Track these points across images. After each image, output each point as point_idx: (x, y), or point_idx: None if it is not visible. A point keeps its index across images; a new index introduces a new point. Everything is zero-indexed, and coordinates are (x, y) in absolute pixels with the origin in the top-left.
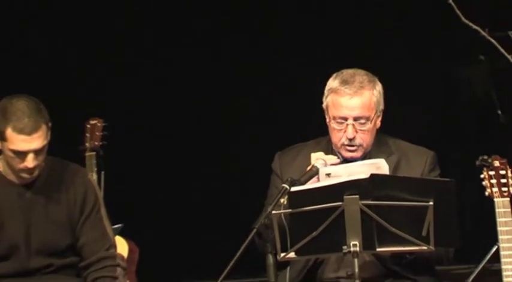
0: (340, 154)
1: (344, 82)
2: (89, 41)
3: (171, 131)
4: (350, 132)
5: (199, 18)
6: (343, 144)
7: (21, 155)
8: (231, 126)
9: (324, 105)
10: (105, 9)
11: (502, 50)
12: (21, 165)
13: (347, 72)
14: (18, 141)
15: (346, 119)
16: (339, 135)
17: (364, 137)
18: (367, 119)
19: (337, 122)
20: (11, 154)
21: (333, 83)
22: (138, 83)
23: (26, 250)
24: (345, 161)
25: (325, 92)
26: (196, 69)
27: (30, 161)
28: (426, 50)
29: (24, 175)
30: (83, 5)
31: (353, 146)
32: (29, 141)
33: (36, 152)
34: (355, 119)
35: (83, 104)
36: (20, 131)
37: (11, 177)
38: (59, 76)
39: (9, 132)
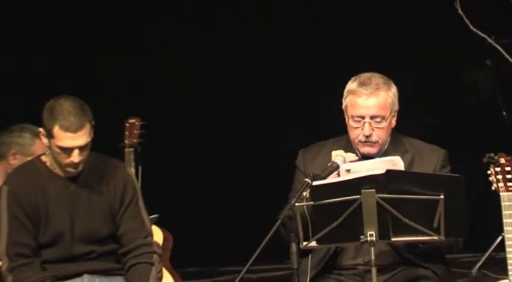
0: (358, 150)
1: (361, 84)
2: (128, 45)
3: (201, 129)
4: (367, 130)
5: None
6: (360, 141)
7: (67, 151)
8: (258, 126)
9: (343, 106)
10: (148, 10)
11: (507, 56)
12: (67, 160)
13: (364, 76)
14: (64, 138)
15: (363, 117)
16: (356, 132)
17: (380, 134)
18: (383, 117)
19: (355, 121)
20: (57, 150)
21: (351, 85)
22: (172, 84)
23: (70, 238)
24: (363, 157)
25: (345, 93)
26: (222, 69)
27: (75, 157)
28: (438, 56)
29: (70, 169)
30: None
31: (369, 142)
32: (74, 139)
33: (81, 148)
34: (372, 117)
35: (122, 104)
36: (66, 129)
37: (58, 171)
38: (99, 79)
39: (56, 130)
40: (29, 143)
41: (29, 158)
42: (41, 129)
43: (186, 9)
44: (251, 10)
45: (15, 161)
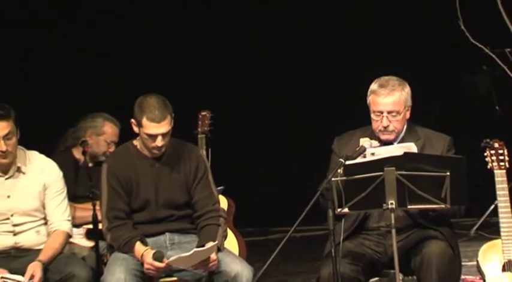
0: (379, 138)
1: (381, 86)
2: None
3: (261, 118)
4: (384, 122)
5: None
6: (380, 130)
7: (153, 137)
8: (306, 120)
9: (368, 103)
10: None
11: (500, 62)
12: (153, 145)
13: (383, 78)
14: (150, 127)
15: (382, 112)
16: (377, 123)
17: (396, 125)
18: (397, 112)
19: (376, 115)
20: (145, 136)
21: (373, 86)
22: (238, 78)
23: (155, 204)
24: (383, 143)
25: (368, 93)
26: (281, 62)
27: (159, 142)
28: (444, 63)
29: (155, 151)
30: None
31: (387, 131)
32: (158, 128)
33: (163, 135)
34: (388, 112)
35: (195, 99)
36: (152, 120)
37: (145, 152)
38: (180, 80)
39: (144, 121)
40: (100, 125)
41: (102, 137)
42: (132, 120)
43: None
44: None
45: (91, 141)
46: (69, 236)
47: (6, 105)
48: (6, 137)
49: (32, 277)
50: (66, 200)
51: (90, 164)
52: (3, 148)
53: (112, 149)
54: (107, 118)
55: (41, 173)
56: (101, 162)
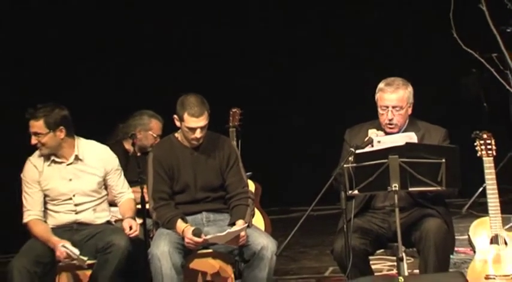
0: (384, 130)
1: (387, 84)
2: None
3: (282, 115)
4: (389, 115)
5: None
6: (385, 123)
7: (192, 130)
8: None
9: (376, 99)
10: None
11: (487, 65)
12: (192, 136)
13: (390, 79)
14: (190, 121)
15: (387, 107)
16: (383, 117)
17: (399, 119)
18: (401, 107)
19: (382, 109)
20: (186, 129)
21: (381, 85)
22: (267, 80)
23: (194, 187)
24: (389, 134)
25: (376, 90)
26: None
27: (197, 134)
28: (442, 66)
29: (194, 142)
30: None
31: (392, 124)
32: (197, 122)
33: (201, 128)
34: (393, 107)
35: (227, 97)
36: (192, 115)
37: (186, 143)
38: (211, 79)
39: (185, 116)
40: (147, 122)
41: (149, 132)
42: (175, 116)
43: None
44: None
45: (140, 135)
46: (134, 199)
47: (43, 105)
48: (36, 134)
49: (130, 228)
50: (123, 175)
51: (139, 154)
52: (33, 142)
53: (157, 141)
54: (152, 115)
55: (100, 160)
56: (148, 152)
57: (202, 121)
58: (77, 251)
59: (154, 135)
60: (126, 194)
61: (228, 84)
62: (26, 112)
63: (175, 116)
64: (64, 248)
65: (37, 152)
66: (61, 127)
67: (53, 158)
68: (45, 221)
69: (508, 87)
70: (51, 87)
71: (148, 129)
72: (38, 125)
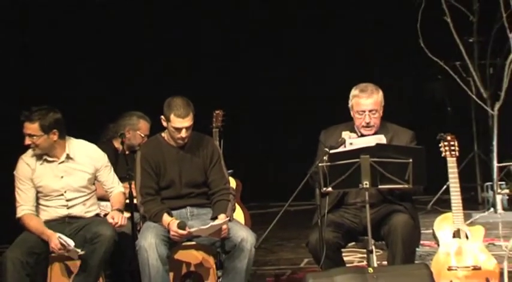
0: (361, 132)
1: (362, 91)
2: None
3: (263, 116)
4: (367, 119)
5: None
6: (363, 126)
7: (178, 130)
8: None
9: (349, 105)
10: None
11: (452, 73)
12: (178, 136)
13: (362, 85)
14: (176, 122)
15: (364, 111)
16: (360, 121)
17: (375, 121)
18: (376, 111)
19: (359, 114)
20: (172, 129)
21: (355, 91)
22: (251, 81)
23: (179, 184)
24: (362, 136)
25: (350, 97)
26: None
27: (183, 133)
28: (409, 73)
29: (180, 141)
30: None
31: (369, 127)
32: (182, 122)
33: (187, 128)
34: (370, 111)
35: (209, 100)
36: (178, 116)
37: (172, 142)
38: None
39: (172, 116)
40: (136, 122)
41: (138, 132)
42: (162, 116)
43: None
44: None
45: (129, 135)
46: (124, 193)
47: (38, 108)
48: (31, 135)
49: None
50: (113, 171)
51: (127, 152)
52: (27, 143)
53: (145, 140)
54: (140, 116)
55: (90, 158)
56: (136, 150)
57: (187, 122)
58: (72, 243)
59: (142, 135)
60: (116, 188)
61: (212, 87)
62: (20, 114)
63: (162, 116)
64: (60, 239)
65: (30, 151)
66: (54, 130)
67: (45, 157)
68: (38, 215)
69: (469, 92)
70: (48, 87)
71: (136, 129)
72: (32, 128)
